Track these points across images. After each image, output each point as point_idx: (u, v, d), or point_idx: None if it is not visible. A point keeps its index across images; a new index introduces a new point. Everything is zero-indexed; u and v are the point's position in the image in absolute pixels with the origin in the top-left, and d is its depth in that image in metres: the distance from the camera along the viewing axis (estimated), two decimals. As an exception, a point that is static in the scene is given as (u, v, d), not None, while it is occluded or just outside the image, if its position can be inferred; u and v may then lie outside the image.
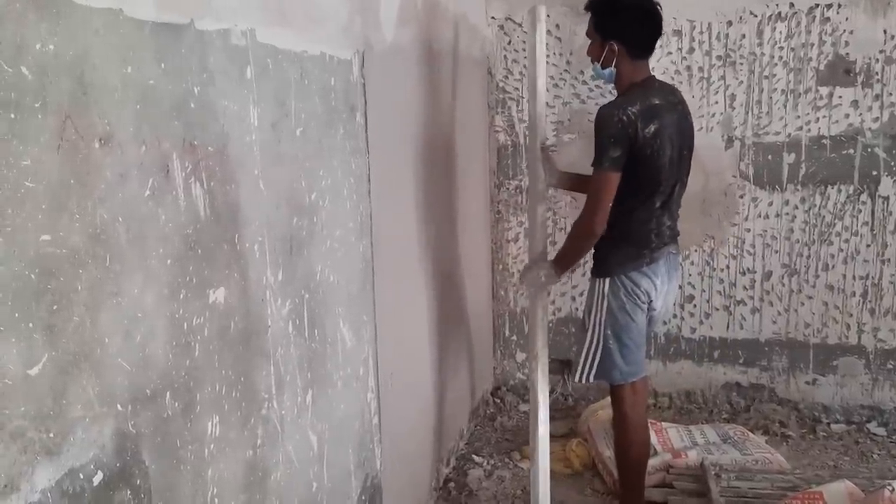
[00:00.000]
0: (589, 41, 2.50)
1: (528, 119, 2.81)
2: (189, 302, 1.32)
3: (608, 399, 3.56)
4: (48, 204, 1.00)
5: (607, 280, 2.48)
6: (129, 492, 1.17)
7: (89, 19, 1.07)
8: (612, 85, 2.52)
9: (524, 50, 3.74)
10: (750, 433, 3.30)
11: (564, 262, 2.57)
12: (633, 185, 2.36)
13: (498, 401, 3.95)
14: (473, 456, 3.34)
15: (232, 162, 1.46)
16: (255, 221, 1.55)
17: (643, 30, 2.42)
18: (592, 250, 2.55)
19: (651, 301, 2.49)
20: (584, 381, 2.57)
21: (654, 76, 2.52)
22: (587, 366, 2.54)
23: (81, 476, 1.07)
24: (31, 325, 0.98)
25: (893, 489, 2.05)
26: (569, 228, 2.75)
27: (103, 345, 1.11)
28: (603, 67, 2.45)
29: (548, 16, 2.88)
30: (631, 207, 2.41)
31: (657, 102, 2.37)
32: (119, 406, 1.15)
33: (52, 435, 1.01)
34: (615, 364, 2.52)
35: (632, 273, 2.46)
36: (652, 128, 2.31)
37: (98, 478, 1.10)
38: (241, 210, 1.49)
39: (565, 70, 3.71)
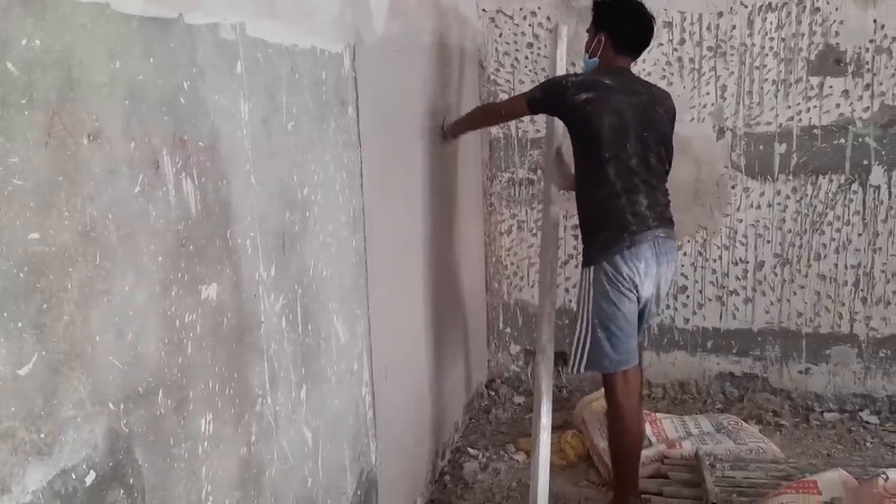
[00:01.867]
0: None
1: (546, 128, 3.02)
2: (181, 299, 1.31)
3: (602, 390, 3.57)
4: (36, 202, 0.98)
5: (591, 269, 2.53)
6: (122, 491, 1.16)
7: (76, 14, 1.05)
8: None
9: (516, 42, 3.73)
10: (744, 423, 3.31)
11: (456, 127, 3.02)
12: (580, 151, 2.57)
13: (492, 393, 3.95)
14: (469, 449, 3.34)
15: (223, 157, 1.44)
16: (247, 217, 1.54)
17: (630, 28, 2.63)
18: (583, 237, 2.62)
19: (637, 286, 2.49)
20: (575, 371, 2.60)
21: (629, 70, 2.68)
22: (578, 356, 2.57)
23: (73, 476, 1.06)
24: (20, 324, 0.96)
25: (887, 477, 2.06)
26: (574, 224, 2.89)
27: (94, 343, 1.10)
28: (590, 57, 2.67)
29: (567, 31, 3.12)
30: (583, 174, 2.58)
31: (607, 82, 2.54)
32: (111, 405, 1.14)
33: (43, 435, 1.00)
34: (605, 353, 2.53)
35: (613, 258, 2.48)
36: (584, 96, 2.49)
37: (90, 478, 1.09)
38: (232, 205, 1.48)
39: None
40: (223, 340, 1.46)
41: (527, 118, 3.78)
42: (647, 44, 2.69)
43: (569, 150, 2.66)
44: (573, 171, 2.67)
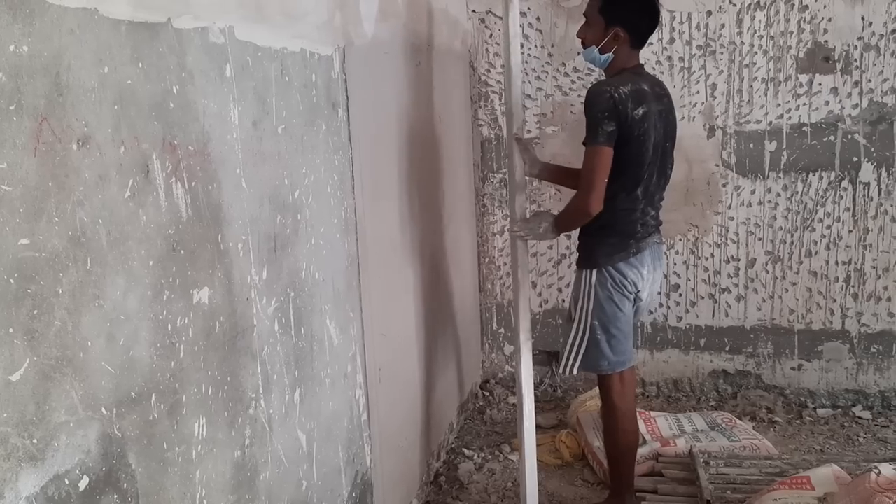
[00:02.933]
0: (584, 23, 2.48)
1: (505, 107, 2.77)
2: (172, 303, 1.31)
3: (597, 389, 3.58)
4: (26, 207, 0.98)
5: (594, 271, 2.49)
6: (115, 496, 1.16)
7: (64, 19, 1.05)
8: (600, 70, 2.55)
9: (505, 42, 3.74)
10: (737, 420, 3.32)
11: (561, 226, 2.50)
12: (618, 170, 2.35)
13: (487, 394, 3.96)
14: (464, 449, 3.35)
15: (213, 161, 1.44)
16: (238, 220, 1.54)
17: (648, 20, 2.45)
18: (578, 242, 2.58)
19: (638, 291, 2.51)
20: (567, 373, 2.58)
21: (643, 66, 2.55)
22: (571, 357, 2.56)
23: (67, 482, 1.06)
24: (11, 330, 0.96)
25: (879, 472, 2.07)
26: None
27: (86, 348, 1.10)
28: (601, 52, 2.43)
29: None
30: (614, 194, 2.39)
31: (646, 89, 2.39)
32: (104, 410, 1.14)
33: (35, 441, 1.00)
34: (603, 354, 2.53)
35: (619, 264, 2.47)
36: (640, 111, 2.32)
37: (84, 483, 1.09)
38: (223, 209, 1.48)
39: (547, 62, 3.70)
40: (216, 344, 1.46)
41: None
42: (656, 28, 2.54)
43: (537, 134, 2.59)
44: (542, 157, 2.64)
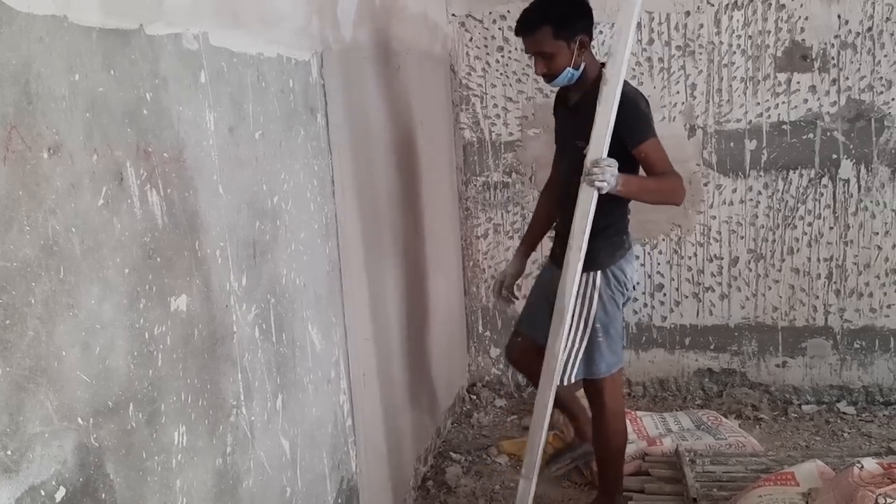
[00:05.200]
0: (539, 60, 2.38)
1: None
2: (149, 311, 1.30)
3: (583, 390, 3.58)
4: (-4, 217, 0.98)
5: (599, 273, 2.45)
6: (94, 506, 1.15)
7: (32, 27, 1.04)
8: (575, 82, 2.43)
9: (486, 46, 3.75)
10: (723, 418, 3.34)
11: (635, 191, 2.32)
12: (631, 168, 2.35)
13: (474, 397, 3.96)
14: (451, 453, 3.34)
15: (189, 168, 1.44)
16: (215, 227, 1.53)
17: (591, 15, 2.41)
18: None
19: (634, 286, 2.53)
20: (567, 382, 2.49)
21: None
22: (569, 366, 2.48)
23: (43, 493, 1.05)
24: (-18, 341, 0.95)
25: (862, 466, 2.08)
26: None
27: (60, 358, 1.09)
28: (575, 68, 2.37)
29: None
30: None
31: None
32: (80, 420, 1.13)
33: (9, 452, 0.99)
34: (602, 357, 2.50)
35: (620, 262, 2.48)
36: (653, 116, 2.42)
37: (61, 494, 1.08)
38: (200, 216, 1.47)
39: (528, 65, 3.71)
40: (195, 352, 1.45)
41: (499, 121, 3.80)
42: None
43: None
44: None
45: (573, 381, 2.52)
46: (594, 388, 2.58)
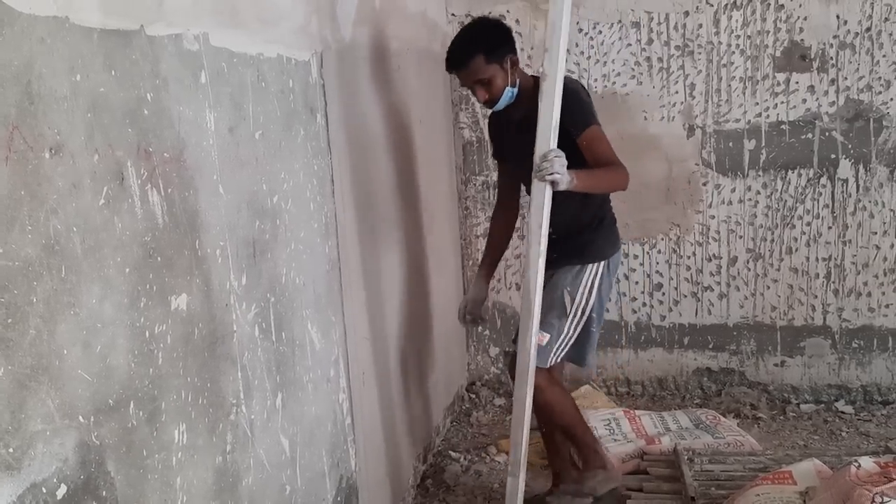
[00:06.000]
0: (478, 88, 2.46)
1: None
2: (150, 310, 1.31)
3: (582, 389, 3.60)
4: (-2, 216, 0.98)
5: (601, 264, 2.57)
6: (95, 503, 1.16)
7: (34, 28, 1.05)
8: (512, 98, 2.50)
9: (485, 45, 3.75)
10: (722, 417, 3.35)
11: (585, 182, 2.31)
12: (578, 165, 2.41)
13: (473, 396, 3.96)
14: (450, 452, 3.35)
15: (189, 167, 1.45)
16: (215, 226, 1.54)
17: (512, 33, 2.55)
18: (567, 240, 2.54)
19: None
20: (551, 363, 2.58)
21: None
22: (559, 349, 2.58)
23: (44, 490, 1.06)
24: (-16, 339, 0.96)
25: (860, 465, 2.09)
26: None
27: (62, 356, 1.09)
28: (513, 86, 2.46)
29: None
30: None
31: None
32: (81, 418, 1.13)
33: (11, 450, 1.00)
34: (591, 346, 2.64)
35: (618, 252, 2.63)
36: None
37: (62, 491, 1.09)
38: (200, 215, 1.48)
39: (526, 64, 3.71)
40: (195, 350, 1.46)
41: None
42: None
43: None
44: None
45: (558, 361, 2.61)
46: (550, 371, 2.60)
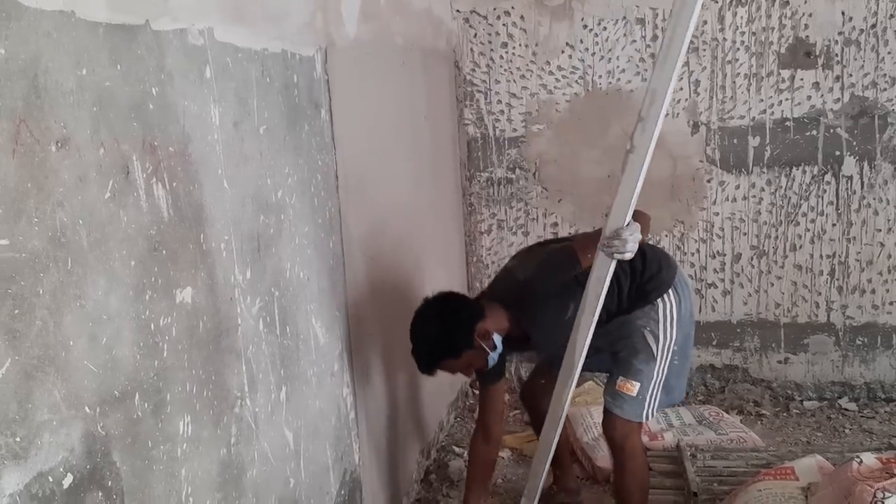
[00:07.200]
0: (467, 367, 2.35)
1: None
2: (155, 303, 1.32)
3: (585, 386, 3.60)
4: (5, 209, 1.00)
5: (670, 292, 2.31)
6: (100, 493, 1.17)
7: (40, 22, 1.06)
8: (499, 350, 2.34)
9: (490, 42, 3.76)
10: (725, 413, 3.35)
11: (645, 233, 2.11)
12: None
13: (477, 391, 3.97)
14: (454, 447, 3.36)
15: (194, 162, 1.46)
16: (220, 220, 1.55)
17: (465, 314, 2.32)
18: (634, 288, 2.34)
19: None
20: (647, 419, 2.36)
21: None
22: (652, 397, 2.31)
23: (51, 479, 1.07)
24: (-8, 330, 0.97)
25: (861, 461, 2.10)
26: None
27: (68, 348, 1.11)
28: (493, 349, 2.30)
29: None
30: None
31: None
32: (87, 408, 1.15)
33: (18, 439, 1.01)
34: (680, 381, 2.38)
35: (676, 273, 2.38)
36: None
37: (68, 480, 1.10)
38: (205, 209, 1.49)
39: (531, 61, 3.72)
40: (200, 343, 1.47)
41: (503, 116, 3.81)
42: None
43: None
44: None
45: (654, 415, 2.40)
46: (634, 430, 2.35)
